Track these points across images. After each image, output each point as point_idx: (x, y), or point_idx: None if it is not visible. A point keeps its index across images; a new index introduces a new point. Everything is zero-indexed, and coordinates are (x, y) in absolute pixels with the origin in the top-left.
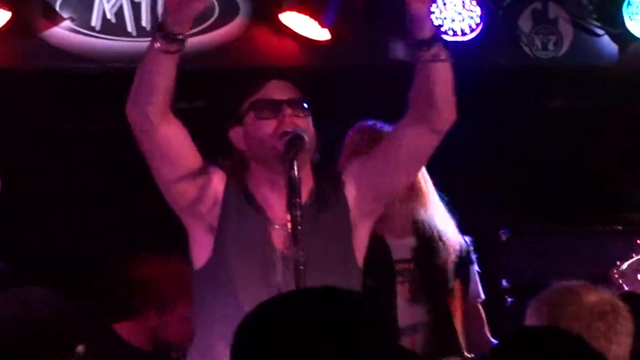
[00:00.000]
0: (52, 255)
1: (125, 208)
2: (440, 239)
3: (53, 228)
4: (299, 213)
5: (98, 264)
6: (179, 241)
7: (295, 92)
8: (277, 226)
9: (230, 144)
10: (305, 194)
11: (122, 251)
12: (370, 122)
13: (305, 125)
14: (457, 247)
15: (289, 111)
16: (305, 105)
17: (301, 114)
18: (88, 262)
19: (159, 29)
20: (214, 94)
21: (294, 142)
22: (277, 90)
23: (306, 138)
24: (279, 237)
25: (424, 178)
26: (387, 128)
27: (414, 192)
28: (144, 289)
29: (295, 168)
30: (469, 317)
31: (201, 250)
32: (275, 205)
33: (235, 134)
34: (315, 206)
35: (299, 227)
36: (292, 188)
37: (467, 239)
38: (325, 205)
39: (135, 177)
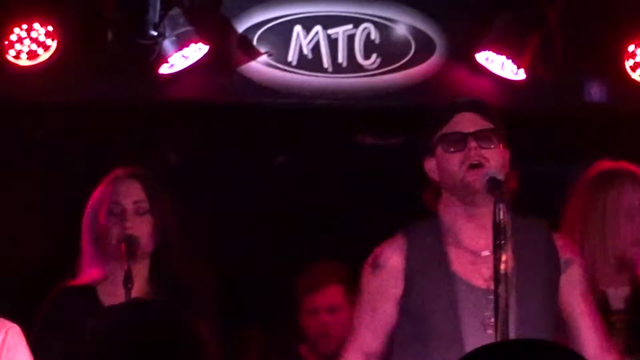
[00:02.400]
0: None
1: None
2: None
3: (259, 258)
4: (504, 256)
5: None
6: None
7: (485, 122)
8: (481, 255)
9: (425, 175)
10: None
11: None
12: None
13: (493, 156)
14: None
15: (474, 144)
16: (496, 135)
17: (491, 145)
18: (279, 296)
19: None
20: (409, 131)
21: (493, 184)
22: (465, 123)
23: (501, 178)
24: (478, 270)
25: None
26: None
27: None
28: None
29: (502, 211)
30: None
31: None
32: (474, 236)
33: (429, 165)
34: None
35: (504, 269)
36: (498, 231)
37: None
38: (527, 248)
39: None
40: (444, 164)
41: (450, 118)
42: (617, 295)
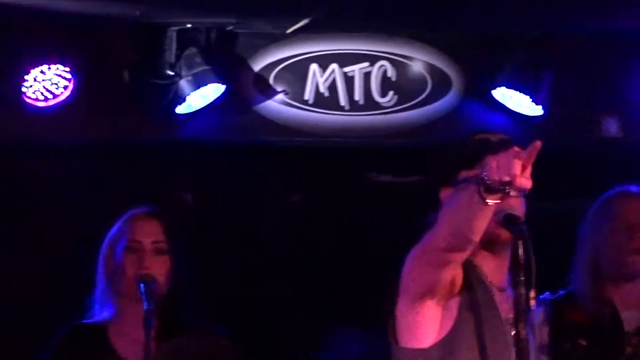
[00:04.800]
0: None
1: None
2: None
3: (272, 298)
4: (523, 291)
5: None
6: None
7: None
8: (497, 292)
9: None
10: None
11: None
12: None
13: (518, 206)
14: None
15: (509, 193)
16: None
17: (520, 195)
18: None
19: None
20: (426, 168)
21: (510, 221)
22: None
23: (518, 214)
24: (500, 303)
25: None
26: None
27: None
28: None
29: (521, 248)
30: None
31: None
32: (493, 269)
33: (446, 195)
34: None
35: (525, 308)
36: (518, 267)
37: None
38: None
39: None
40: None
41: (483, 158)
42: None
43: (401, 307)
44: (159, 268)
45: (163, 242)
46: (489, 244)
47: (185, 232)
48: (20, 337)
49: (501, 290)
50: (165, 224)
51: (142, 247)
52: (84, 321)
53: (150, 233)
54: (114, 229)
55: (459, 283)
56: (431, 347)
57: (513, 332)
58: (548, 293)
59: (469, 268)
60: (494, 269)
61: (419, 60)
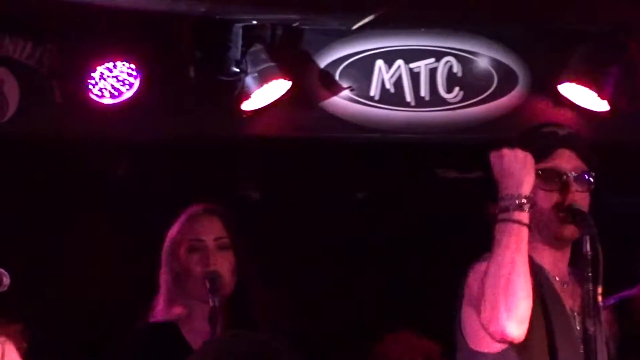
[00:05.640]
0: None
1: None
2: None
3: (341, 295)
4: (591, 287)
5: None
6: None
7: (582, 162)
8: (559, 285)
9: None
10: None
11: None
12: None
13: (584, 201)
14: None
15: (575, 187)
16: (591, 179)
17: (585, 190)
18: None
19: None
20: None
21: (579, 217)
22: (568, 161)
23: (585, 209)
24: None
25: None
26: None
27: None
28: None
29: (588, 243)
30: None
31: None
32: (553, 262)
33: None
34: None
35: (593, 303)
36: (585, 263)
37: None
38: None
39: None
40: (535, 198)
41: (551, 152)
42: None
43: (467, 313)
44: (223, 264)
45: (225, 238)
46: (552, 239)
47: (250, 229)
48: (92, 335)
49: (563, 283)
50: (225, 220)
51: (205, 245)
52: (155, 320)
53: (211, 230)
54: (174, 229)
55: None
56: (504, 350)
57: (579, 327)
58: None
59: (530, 262)
60: (553, 263)
61: (485, 56)
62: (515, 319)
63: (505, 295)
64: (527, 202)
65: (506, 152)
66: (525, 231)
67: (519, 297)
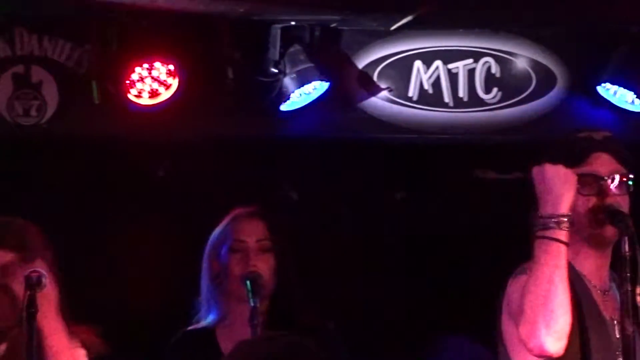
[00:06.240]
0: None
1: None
2: None
3: (382, 296)
4: (629, 288)
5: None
6: None
7: (620, 167)
8: (599, 294)
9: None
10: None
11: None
12: None
13: (624, 204)
14: None
15: (612, 191)
16: (629, 182)
17: (624, 192)
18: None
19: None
20: (530, 165)
21: (617, 217)
22: (605, 165)
23: (624, 210)
24: (603, 305)
25: None
26: None
27: None
28: None
29: (627, 243)
30: None
31: None
32: (594, 270)
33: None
34: None
35: (632, 304)
36: (624, 263)
37: None
38: None
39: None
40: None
41: (587, 156)
42: None
43: (506, 325)
44: (264, 265)
45: (267, 240)
46: (593, 242)
47: (289, 230)
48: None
49: (604, 291)
50: (268, 222)
51: (247, 246)
52: (192, 327)
53: (253, 232)
54: (216, 232)
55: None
56: None
57: (618, 336)
58: None
59: (570, 273)
60: (594, 270)
61: (523, 57)
62: (554, 335)
63: (544, 311)
64: (566, 221)
65: (548, 167)
66: (563, 249)
67: (557, 313)
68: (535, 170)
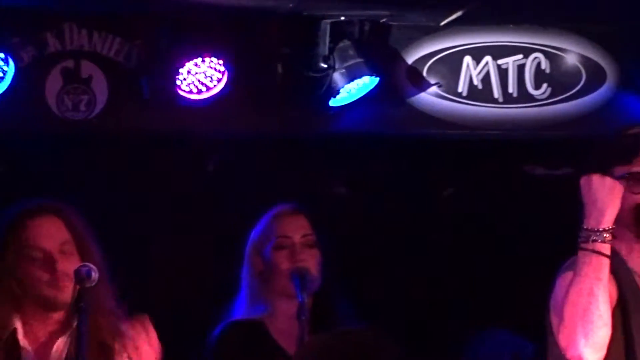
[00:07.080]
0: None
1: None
2: None
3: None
4: None
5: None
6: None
7: None
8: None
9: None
10: None
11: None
12: None
13: None
14: None
15: None
16: None
17: None
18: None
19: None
20: (579, 161)
21: None
22: None
23: None
24: None
25: None
26: None
27: None
28: None
29: None
30: None
31: None
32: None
33: None
34: None
35: None
36: None
37: None
38: None
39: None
40: (622, 198)
41: (635, 155)
42: None
43: (553, 320)
44: (311, 261)
45: (312, 235)
46: (624, 225)
47: (338, 226)
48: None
49: None
50: (311, 218)
51: (292, 242)
52: (237, 318)
53: (298, 228)
54: (257, 228)
55: (613, 294)
56: None
57: None
58: None
59: (617, 265)
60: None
61: (573, 52)
62: (593, 347)
63: (583, 323)
64: (608, 235)
65: (595, 178)
66: (605, 261)
67: (597, 325)
68: (583, 180)
